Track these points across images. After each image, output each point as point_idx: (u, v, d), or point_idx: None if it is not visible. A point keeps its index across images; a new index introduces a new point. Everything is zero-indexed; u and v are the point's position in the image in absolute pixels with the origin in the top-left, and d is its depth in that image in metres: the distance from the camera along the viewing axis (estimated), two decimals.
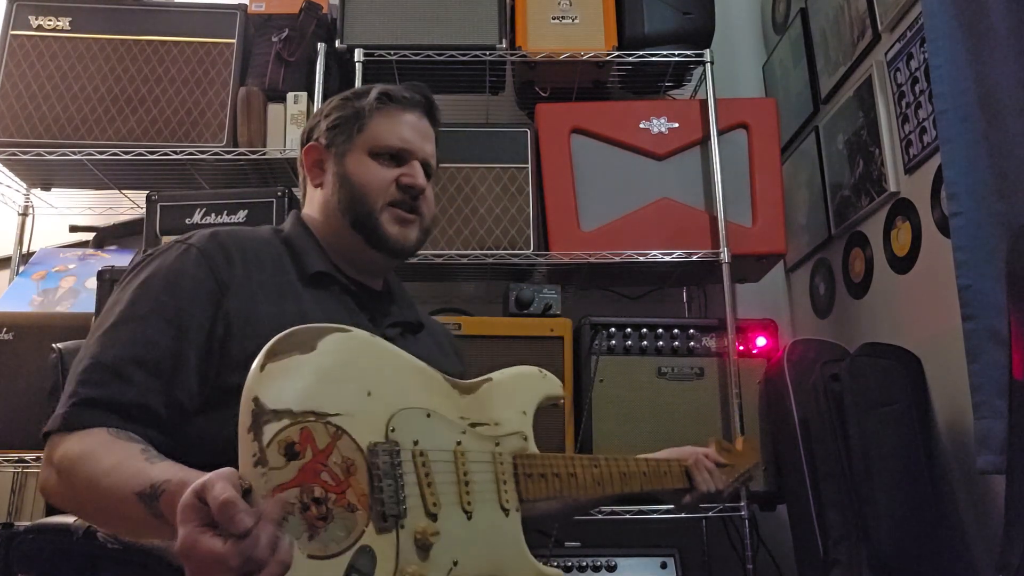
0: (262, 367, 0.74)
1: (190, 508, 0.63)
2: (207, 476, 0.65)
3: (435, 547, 0.81)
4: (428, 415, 0.89)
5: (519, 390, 1.07)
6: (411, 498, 0.81)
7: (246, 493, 0.67)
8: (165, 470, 0.77)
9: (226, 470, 0.66)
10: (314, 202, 1.19)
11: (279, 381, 0.74)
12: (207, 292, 0.96)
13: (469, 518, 0.88)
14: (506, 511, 0.94)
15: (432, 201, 1.21)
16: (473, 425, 0.96)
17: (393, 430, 0.83)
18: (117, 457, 0.81)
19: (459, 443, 0.92)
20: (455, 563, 0.84)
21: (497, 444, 0.98)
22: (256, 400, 0.72)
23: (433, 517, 0.83)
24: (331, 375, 0.79)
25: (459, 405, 0.95)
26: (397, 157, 1.16)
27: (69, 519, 0.90)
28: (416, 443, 0.85)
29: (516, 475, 0.98)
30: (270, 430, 0.71)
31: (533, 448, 1.04)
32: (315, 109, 2.12)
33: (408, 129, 1.17)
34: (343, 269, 1.15)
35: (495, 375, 1.05)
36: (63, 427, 0.86)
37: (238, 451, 0.71)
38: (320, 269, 1.09)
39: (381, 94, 1.17)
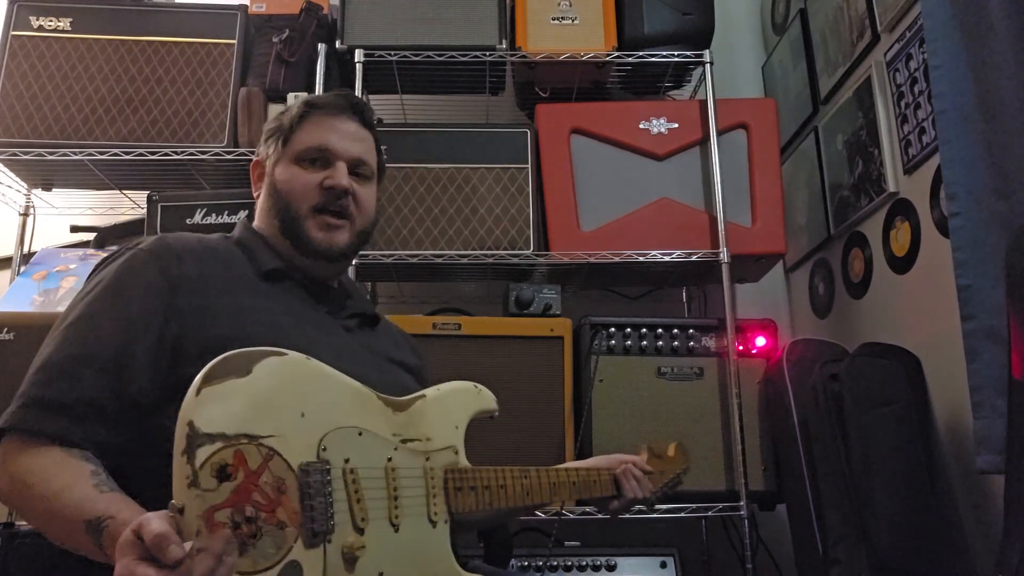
0: (197, 391, 0.78)
1: (127, 544, 0.70)
2: (144, 515, 0.71)
3: (361, 560, 0.85)
4: (360, 433, 0.92)
5: (452, 406, 1.10)
6: (339, 514, 0.85)
7: (179, 512, 0.73)
8: (111, 503, 0.82)
9: (162, 512, 0.72)
10: (258, 212, 1.23)
11: (213, 405, 0.78)
12: (157, 290, 0.99)
13: (396, 531, 0.92)
14: (433, 523, 0.98)
15: (368, 202, 1.21)
16: (405, 441, 0.99)
17: (325, 449, 0.87)
18: (67, 479, 0.85)
19: (390, 459, 0.95)
20: (381, 574, 0.88)
21: (428, 459, 1.01)
22: (190, 424, 0.76)
23: (360, 531, 0.87)
24: (265, 398, 0.83)
25: (392, 422, 0.99)
26: (322, 160, 1.17)
27: None
28: (347, 461, 0.89)
29: (446, 489, 1.01)
30: (203, 453, 0.75)
31: (464, 462, 1.07)
32: None
33: (330, 132, 1.18)
34: (297, 265, 1.17)
35: (429, 391, 1.08)
36: (12, 427, 0.90)
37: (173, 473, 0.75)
38: (275, 266, 1.12)
39: (304, 103, 1.20)
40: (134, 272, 1.00)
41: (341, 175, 1.16)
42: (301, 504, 0.81)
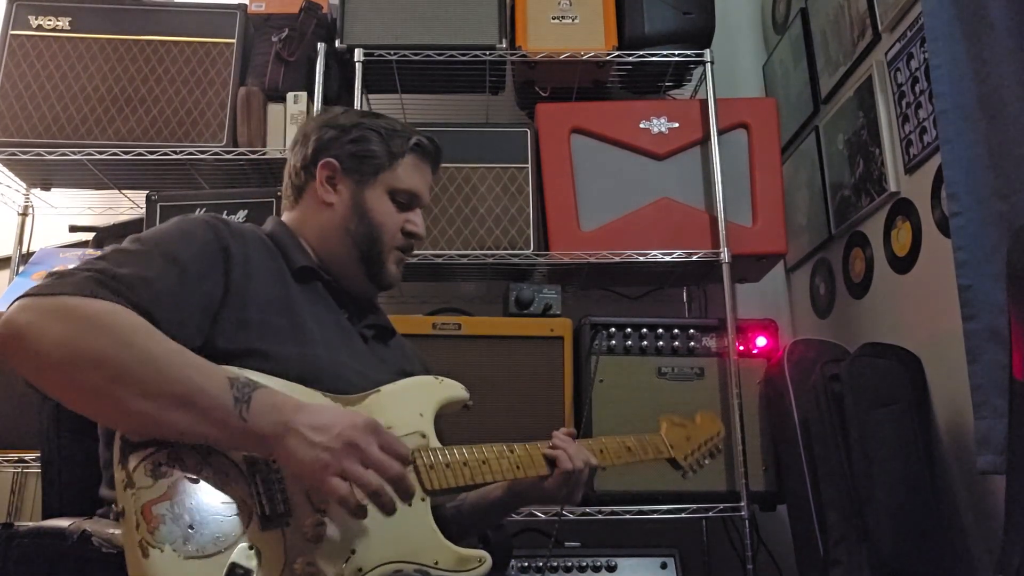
0: None
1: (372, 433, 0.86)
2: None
3: (327, 539, 0.86)
4: None
5: (412, 395, 1.09)
6: (294, 498, 0.87)
7: (118, 516, 0.77)
8: (244, 372, 0.88)
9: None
10: (312, 215, 1.21)
11: None
12: (214, 252, 1.00)
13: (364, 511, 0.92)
14: (408, 501, 0.97)
15: None
16: None
17: None
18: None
19: None
20: (352, 551, 0.88)
21: None
22: (122, 437, 0.81)
23: (322, 512, 0.88)
24: None
25: None
26: (409, 204, 1.23)
27: (64, 523, 0.90)
28: None
29: (416, 468, 1.00)
30: (136, 457, 0.79)
31: (435, 444, 1.06)
32: (315, 109, 2.13)
33: (424, 180, 1.26)
34: (327, 269, 1.19)
35: (384, 386, 1.07)
36: (78, 293, 0.87)
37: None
38: (306, 264, 1.14)
39: (415, 142, 1.23)
40: (196, 232, 1.02)
41: (422, 224, 1.25)
42: (249, 492, 0.84)
